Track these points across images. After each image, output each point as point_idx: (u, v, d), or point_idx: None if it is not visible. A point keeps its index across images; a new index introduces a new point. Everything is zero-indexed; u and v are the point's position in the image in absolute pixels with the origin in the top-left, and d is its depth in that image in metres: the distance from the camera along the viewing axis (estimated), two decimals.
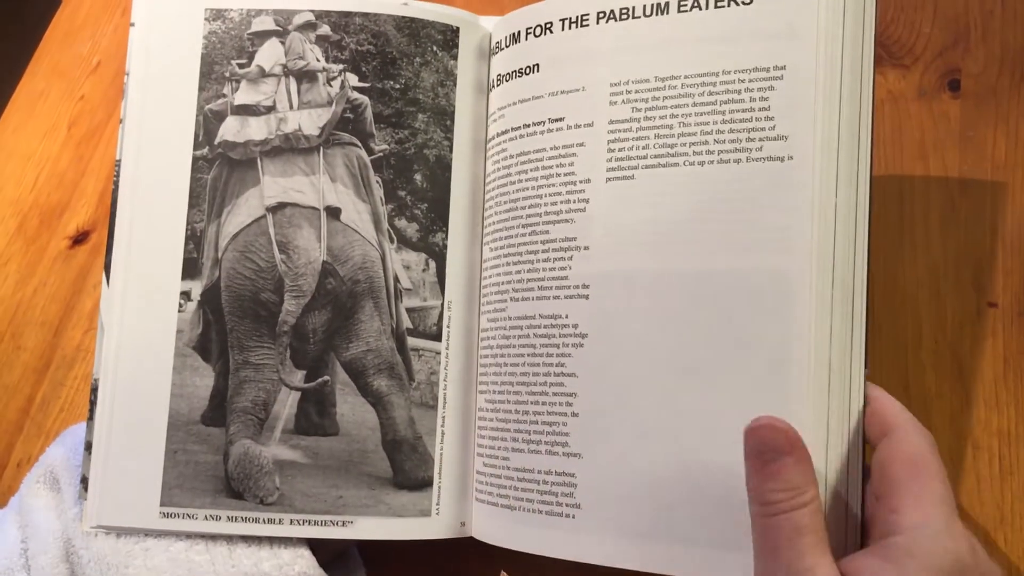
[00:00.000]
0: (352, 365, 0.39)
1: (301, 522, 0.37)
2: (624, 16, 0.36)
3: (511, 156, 0.39)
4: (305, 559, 0.37)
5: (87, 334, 0.53)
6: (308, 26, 0.40)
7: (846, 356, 0.32)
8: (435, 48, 0.41)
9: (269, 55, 0.40)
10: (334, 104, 0.40)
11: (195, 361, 0.39)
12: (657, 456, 0.33)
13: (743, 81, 0.34)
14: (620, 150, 0.36)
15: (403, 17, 0.41)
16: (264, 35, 0.41)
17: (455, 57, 0.41)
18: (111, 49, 0.62)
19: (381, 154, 0.40)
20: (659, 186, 0.35)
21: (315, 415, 0.39)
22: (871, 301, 0.42)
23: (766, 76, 0.33)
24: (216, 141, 0.40)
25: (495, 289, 0.39)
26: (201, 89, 0.40)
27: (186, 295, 0.39)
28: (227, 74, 0.40)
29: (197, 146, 0.40)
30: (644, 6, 0.36)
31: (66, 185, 0.58)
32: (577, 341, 0.35)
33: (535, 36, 0.39)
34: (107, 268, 0.39)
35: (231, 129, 0.40)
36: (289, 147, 0.40)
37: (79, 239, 0.56)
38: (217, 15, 0.41)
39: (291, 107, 0.40)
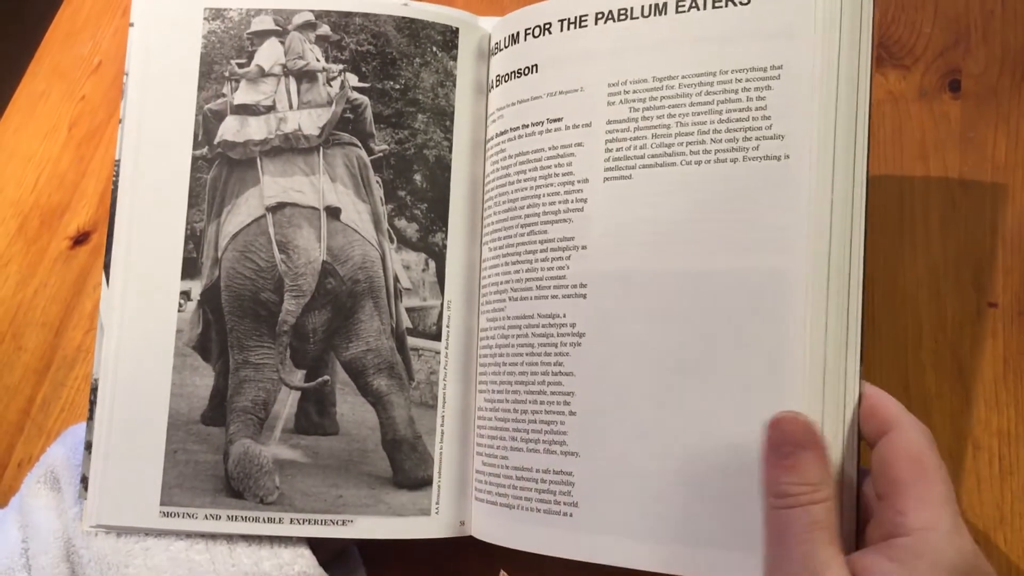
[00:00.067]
0: (352, 365, 0.39)
1: (301, 521, 0.37)
2: (623, 17, 0.36)
3: (510, 156, 0.39)
4: (305, 558, 0.37)
5: (88, 334, 0.53)
6: (308, 26, 0.40)
7: (841, 354, 0.32)
8: (435, 49, 0.41)
9: (269, 55, 0.41)
10: (334, 104, 0.40)
11: (195, 361, 0.39)
12: (654, 455, 0.33)
13: (740, 81, 0.34)
14: (618, 150, 0.36)
15: (403, 18, 0.41)
16: (264, 35, 0.41)
17: (455, 58, 0.41)
18: (112, 50, 0.62)
19: (381, 154, 0.40)
20: (656, 186, 0.35)
21: (315, 414, 0.39)
22: (870, 301, 0.42)
23: (763, 76, 0.33)
24: (216, 141, 0.40)
25: (494, 289, 0.39)
26: (200, 89, 0.40)
27: (186, 295, 0.39)
28: (227, 74, 0.40)
29: (197, 146, 0.40)
30: (642, 7, 0.36)
31: (67, 186, 0.58)
32: (575, 340, 0.35)
33: (534, 37, 0.39)
34: (107, 268, 0.39)
35: (231, 129, 0.40)
36: (289, 147, 0.40)
37: (80, 240, 0.56)
38: (216, 14, 0.41)
39: (291, 107, 0.40)
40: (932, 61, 0.46)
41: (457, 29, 0.41)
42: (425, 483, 0.38)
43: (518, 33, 0.39)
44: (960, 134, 0.44)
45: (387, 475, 0.38)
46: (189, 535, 0.37)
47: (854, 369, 0.32)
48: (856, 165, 0.32)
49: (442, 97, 0.41)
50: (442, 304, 0.40)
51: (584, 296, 0.36)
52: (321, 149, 0.40)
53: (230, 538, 0.37)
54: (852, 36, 0.33)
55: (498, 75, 0.40)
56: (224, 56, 0.40)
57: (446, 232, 0.40)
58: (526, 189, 0.38)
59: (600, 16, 0.37)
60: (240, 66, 0.40)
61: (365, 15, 0.40)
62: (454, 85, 0.41)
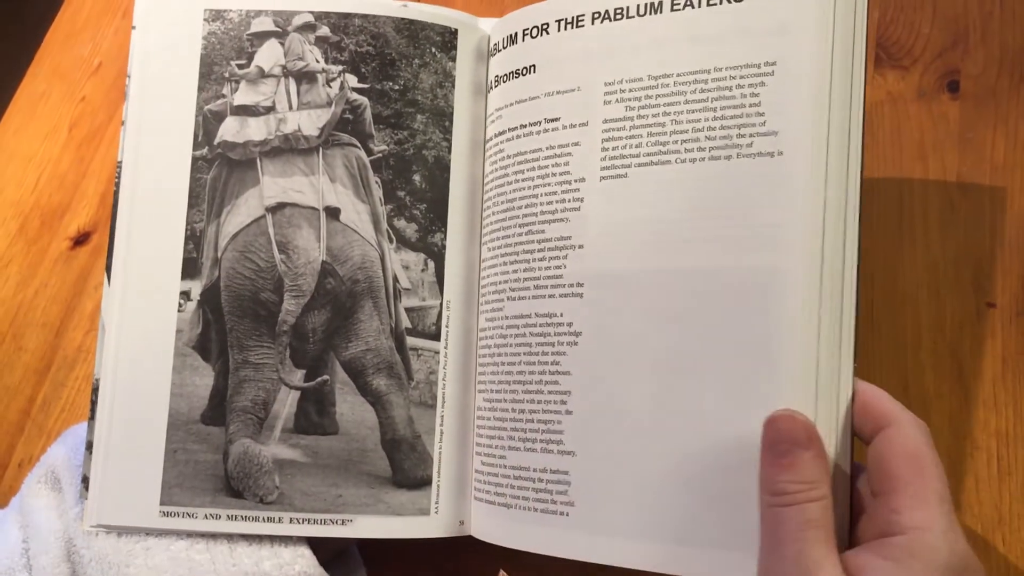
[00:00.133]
0: (351, 364, 0.39)
1: (300, 521, 0.37)
2: (619, 16, 0.36)
3: (508, 156, 0.39)
4: (306, 558, 0.37)
5: (88, 335, 0.53)
6: (307, 27, 0.41)
7: (835, 351, 0.31)
8: (434, 50, 0.41)
9: (268, 56, 0.41)
10: (333, 105, 0.40)
11: (195, 360, 0.39)
12: (650, 454, 0.33)
13: (734, 78, 0.34)
14: (614, 149, 0.36)
15: (402, 19, 0.41)
16: (263, 36, 0.41)
17: (454, 59, 0.41)
18: (112, 51, 0.63)
19: (380, 155, 0.40)
20: (652, 184, 0.35)
21: (314, 414, 0.39)
22: (869, 301, 0.42)
23: (757, 72, 0.33)
24: (215, 141, 0.40)
25: (493, 288, 0.39)
26: (200, 90, 0.40)
27: (186, 295, 0.39)
28: (227, 75, 0.40)
29: (197, 146, 0.40)
30: (638, 6, 0.36)
31: (67, 186, 0.58)
32: (571, 339, 0.36)
33: (532, 37, 0.39)
34: (108, 269, 0.39)
35: (230, 129, 0.40)
36: (288, 147, 0.40)
37: (80, 240, 0.56)
38: (216, 16, 0.41)
39: (290, 108, 0.40)
40: (931, 62, 0.46)
41: (456, 30, 0.41)
42: (424, 483, 0.38)
43: (516, 34, 0.39)
44: (959, 135, 0.44)
45: (386, 475, 0.38)
46: (190, 535, 0.37)
47: (848, 366, 0.31)
48: (850, 161, 0.32)
49: (441, 98, 0.41)
50: (441, 304, 0.40)
51: (581, 295, 0.36)
52: (320, 150, 0.40)
53: (231, 538, 0.37)
54: (846, 32, 0.33)
55: (497, 76, 0.41)
56: (224, 57, 0.41)
57: (445, 232, 0.40)
58: (524, 189, 0.38)
59: (596, 16, 0.37)
60: (240, 67, 0.41)
61: (364, 16, 0.41)
62: (453, 86, 0.41)
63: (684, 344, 0.33)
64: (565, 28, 0.38)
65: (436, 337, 0.39)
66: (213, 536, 0.37)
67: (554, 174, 0.37)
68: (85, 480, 0.38)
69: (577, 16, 0.37)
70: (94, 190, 0.57)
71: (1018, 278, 0.41)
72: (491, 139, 0.40)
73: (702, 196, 0.34)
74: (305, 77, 0.41)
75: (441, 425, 0.39)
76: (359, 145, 0.40)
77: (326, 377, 0.39)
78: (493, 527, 0.37)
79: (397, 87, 0.41)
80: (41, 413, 0.51)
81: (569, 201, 0.36)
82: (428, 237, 0.40)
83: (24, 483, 0.41)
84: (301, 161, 0.40)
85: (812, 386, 0.31)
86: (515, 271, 0.37)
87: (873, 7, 0.47)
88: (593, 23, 0.37)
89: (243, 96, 0.40)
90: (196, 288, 0.39)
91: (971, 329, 0.41)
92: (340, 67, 0.40)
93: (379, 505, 0.38)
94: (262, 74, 0.41)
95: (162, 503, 0.37)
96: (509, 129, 0.39)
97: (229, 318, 0.39)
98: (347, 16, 0.41)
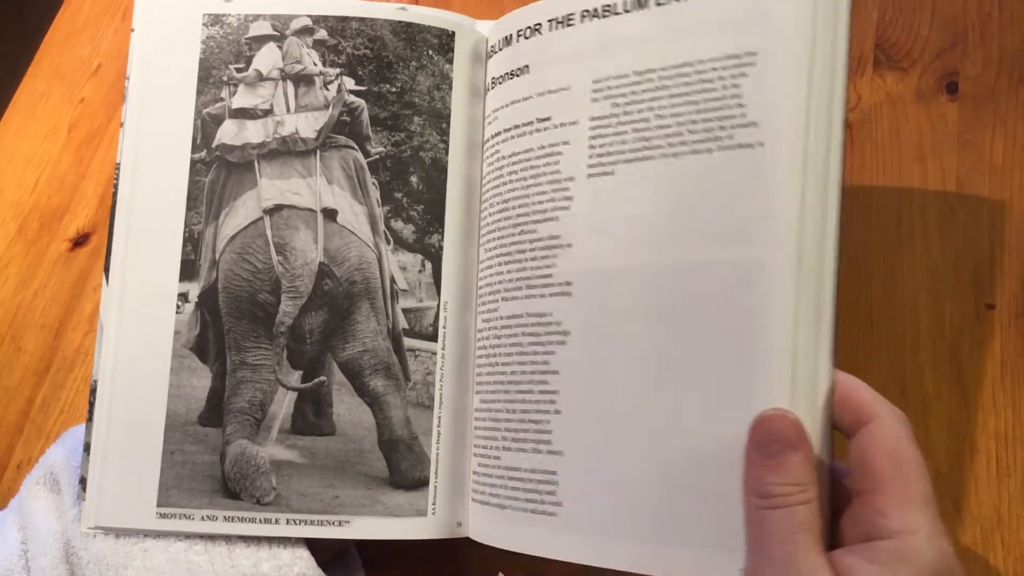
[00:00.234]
0: (349, 365, 0.39)
1: (298, 522, 0.37)
2: (607, 13, 0.36)
3: (504, 157, 0.39)
4: (304, 560, 0.37)
5: (87, 336, 0.53)
6: (305, 31, 0.41)
7: (812, 344, 0.31)
8: (431, 52, 0.41)
9: (267, 59, 0.41)
10: (331, 107, 0.40)
11: (192, 362, 0.39)
12: (637, 453, 0.33)
13: (716, 70, 0.33)
14: (601, 147, 0.35)
15: (399, 22, 0.41)
16: (262, 40, 0.41)
17: (451, 61, 0.41)
18: (111, 52, 0.63)
19: (377, 156, 0.40)
20: (637, 180, 0.34)
21: (312, 415, 0.39)
22: (868, 303, 0.42)
23: (738, 63, 0.33)
24: (214, 144, 0.40)
25: (488, 289, 0.39)
26: (199, 93, 0.40)
27: (184, 297, 0.39)
28: (225, 78, 0.40)
29: (195, 149, 0.40)
30: (625, 2, 0.36)
31: (66, 188, 0.58)
32: (560, 339, 0.35)
33: (525, 38, 0.39)
34: (106, 270, 0.39)
35: (229, 132, 0.40)
36: (286, 150, 0.40)
37: (79, 242, 0.56)
38: (215, 20, 0.41)
39: (288, 110, 0.40)
40: (929, 63, 0.46)
41: (453, 33, 0.41)
42: (421, 484, 0.38)
43: (511, 35, 0.39)
44: (958, 136, 0.44)
45: (384, 475, 0.38)
46: (188, 536, 0.37)
47: (825, 359, 0.31)
48: (831, 151, 0.31)
49: (438, 100, 0.41)
50: (438, 305, 0.40)
51: (569, 294, 0.35)
52: (318, 152, 0.40)
53: (229, 539, 0.37)
54: (827, 21, 0.32)
55: (494, 77, 0.41)
56: (223, 61, 0.41)
57: (442, 233, 0.40)
58: (517, 189, 0.38)
59: (586, 14, 0.37)
60: (238, 71, 0.41)
61: (362, 20, 0.41)
62: (450, 88, 0.41)
63: (669, 341, 0.33)
64: (556, 27, 0.38)
65: (433, 338, 0.39)
66: (212, 538, 0.37)
67: (545, 173, 0.37)
68: (83, 481, 0.38)
69: (567, 15, 0.37)
70: (93, 191, 0.57)
71: (1017, 279, 0.41)
72: (488, 140, 0.40)
73: (686, 191, 0.33)
74: (303, 80, 0.41)
75: (438, 426, 0.39)
76: (356, 147, 0.40)
77: (323, 378, 0.39)
78: (488, 528, 0.37)
79: (394, 89, 0.41)
80: (40, 414, 0.51)
81: (559, 200, 0.36)
82: (425, 238, 0.40)
83: (23, 484, 0.41)
84: (299, 163, 0.40)
85: (789, 378, 0.30)
86: (509, 271, 0.37)
87: (872, 8, 0.47)
88: (583, 21, 0.37)
89: (241, 99, 0.40)
90: (194, 290, 0.39)
91: (970, 331, 0.41)
92: (337, 70, 0.40)
93: (376, 506, 0.38)
94: (260, 77, 0.41)
95: (159, 504, 0.37)
96: (505, 130, 0.39)
97: (227, 319, 0.39)
98: (345, 19, 0.41)
